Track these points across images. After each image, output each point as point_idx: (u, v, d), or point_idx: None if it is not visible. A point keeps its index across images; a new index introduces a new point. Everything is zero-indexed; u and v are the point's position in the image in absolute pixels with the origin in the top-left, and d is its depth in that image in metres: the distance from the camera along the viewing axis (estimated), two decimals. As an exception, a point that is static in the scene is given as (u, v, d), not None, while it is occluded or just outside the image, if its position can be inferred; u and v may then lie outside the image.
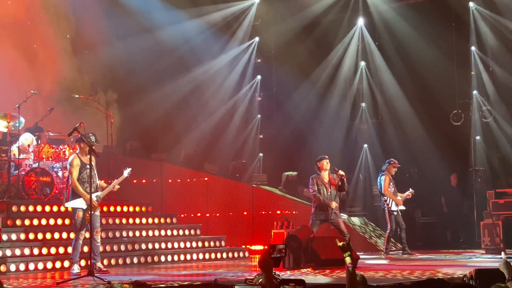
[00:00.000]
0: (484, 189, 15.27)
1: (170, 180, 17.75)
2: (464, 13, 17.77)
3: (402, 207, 14.04)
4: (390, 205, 13.84)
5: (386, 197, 13.87)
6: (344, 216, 15.53)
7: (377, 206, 17.45)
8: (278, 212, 16.53)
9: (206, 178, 17.56)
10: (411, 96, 18.31)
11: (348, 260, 4.90)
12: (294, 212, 16.39)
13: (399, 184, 14.45)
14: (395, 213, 13.86)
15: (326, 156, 12.65)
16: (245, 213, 17.05)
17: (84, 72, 17.93)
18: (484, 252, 14.13)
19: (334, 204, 12.20)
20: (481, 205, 15.65)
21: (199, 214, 17.19)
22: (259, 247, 15.64)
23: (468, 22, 17.75)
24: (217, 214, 17.23)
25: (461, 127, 17.72)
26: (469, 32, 17.79)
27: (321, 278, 9.38)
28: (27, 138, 13.41)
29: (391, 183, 14.00)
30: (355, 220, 16.79)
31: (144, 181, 17.35)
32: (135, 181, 16.45)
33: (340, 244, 4.94)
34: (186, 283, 8.88)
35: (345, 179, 12.42)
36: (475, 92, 18.00)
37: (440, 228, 17.83)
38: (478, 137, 17.93)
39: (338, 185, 12.37)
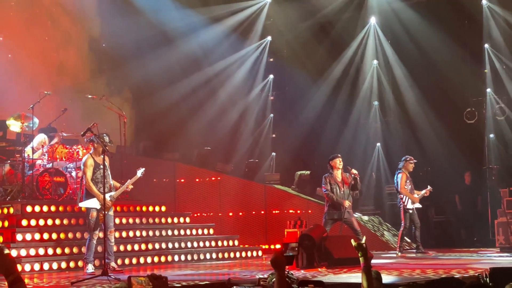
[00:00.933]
0: (498, 187, 15.18)
1: (183, 180, 17.79)
2: (477, 10, 17.68)
3: (418, 205, 13.94)
4: (406, 203, 13.77)
5: (402, 195, 13.80)
6: (356, 215, 15.50)
7: (390, 205, 17.41)
8: (291, 211, 16.52)
9: (219, 178, 17.59)
10: (424, 94, 18.25)
11: (362, 260, 4.88)
12: (307, 211, 16.38)
13: (412, 183, 14.37)
14: (410, 211, 13.79)
15: (339, 155, 12.63)
16: (262, 212, 17.06)
17: (98, 72, 17.99)
18: (498, 250, 14.06)
19: (347, 203, 12.18)
20: (495, 204, 15.57)
21: (212, 214, 17.22)
22: (272, 246, 15.64)
23: (481, 19, 17.67)
24: (230, 214, 17.26)
25: (474, 125, 17.64)
26: (482, 30, 17.70)
27: (334, 277, 9.37)
28: (40, 139, 13.47)
29: (408, 181, 13.90)
30: (367, 218, 16.75)
31: (157, 180, 17.40)
32: (147, 181, 16.49)
33: (355, 244, 4.93)
34: (199, 282, 8.89)
35: (358, 178, 12.40)
36: (488, 89, 17.92)
37: (454, 226, 17.76)
38: (492, 135, 17.84)
39: (351, 184, 12.35)
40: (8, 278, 3.49)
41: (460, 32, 17.43)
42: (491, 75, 17.85)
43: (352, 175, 12.33)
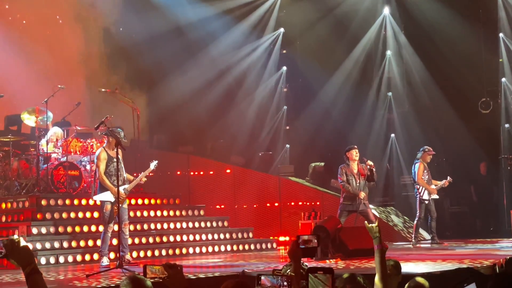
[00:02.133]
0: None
1: (197, 172, 17.80)
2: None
3: (435, 196, 13.81)
4: (422, 194, 13.68)
5: (419, 186, 13.71)
6: (372, 206, 15.45)
7: (405, 196, 17.35)
8: (306, 203, 16.49)
9: (233, 170, 17.58)
10: (438, 84, 18.13)
11: (376, 242, 4.85)
12: (321, 203, 16.34)
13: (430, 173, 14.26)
14: (426, 202, 13.69)
15: (355, 146, 12.59)
16: (273, 204, 17.05)
17: (111, 66, 18.02)
18: (514, 240, 13.98)
19: (362, 194, 12.15)
20: (511, 194, 15.47)
21: (226, 206, 17.23)
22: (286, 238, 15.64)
23: (496, 8, 17.52)
24: (244, 206, 17.26)
25: (489, 115, 17.52)
26: (497, 19, 17.56)
27: (348, 269, 9.34)
28: (56, 132, 13.52)
29: (425, 171, 13.78)
30: (382, 210, 16.69)
31: (171, 173, 17.43)
32: (161, 174, 16.53)
33: (368, 226, 4.90)
34: (214, 274, 8.90)
35: (374, 170, 12.36)
36: (503, 79, 17.78)
37: (469, 217, 17.68)
38: (507, 125, 17.72)
39: (367, 175, 12.31)
40: (25, 270, 3.50)
41: (475, 21, 17.29)
42: (507, 64, 17.71)
43: (368, 167, 12.28)
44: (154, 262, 10.97)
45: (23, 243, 3.50)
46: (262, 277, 4.00)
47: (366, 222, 5.16)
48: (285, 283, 3.92)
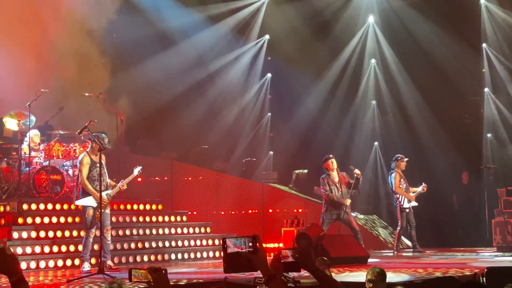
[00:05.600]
0: (496, 186, 15.19)
1: (180, 178, 17.76)
2: (476, 10, 17.69)
3: (414, 203, 13.89)
4: (402, 203, 13.73)
5: (398, 195, 13.77)
6: (354, 214, 15.49)
7: (387, 205, 17.41)
8: (289, 210, 16.50)
9: (216, 176, 17.56)
10: (422, 93, 18.25)
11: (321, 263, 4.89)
12: (304, 210, 16.36)
13: (410, 182, 14.34)
14: (407, 210, 13.76)
15: (331, 156, 12.63)
16: (255, 211, 17.05)
17: (95, 71, 17.94)
18: (495, 250, 14.06)
19: (348, 201, 12.19)
20: (492, 203, 15.57)
21: (207, 212, 17.19)
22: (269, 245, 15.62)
23: (479, 18, 17.67)
24: (228, 212, 17.23)
25: (472, 124, 17.64)
26: (480, 29, 17.71)
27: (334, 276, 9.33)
28: (34, 135, 13.40)
29: (402, 180, 13.87)
30: (364, 218, 16.74)
31: (154, 179, 17.37)
32: (144, 179, 16.47)
33: (319, 259, 4.93)
34: (196, 281, 8.87)
35: (360, 179, 12.41)
36: (486, 89, 17.92)
37: (451, 226, 17.76)
38: (489, 135, 17.85)
39: (350, 183, 12.35)
40: (11, 279, 3.47)
41: (459, 31, 17.43)
42: (489, 74, 17.86)
43: (355, 175, 12.33)
44: (136, 268, 10.91)
45: (9, 251, 3.48)
46: (227, 241, 4.00)
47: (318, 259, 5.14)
48: (250, 244, 3.90)
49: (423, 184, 14.00)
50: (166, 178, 17.70)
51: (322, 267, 4.91)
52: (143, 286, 3.85)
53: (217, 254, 13.87)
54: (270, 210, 16.93)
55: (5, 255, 3.44)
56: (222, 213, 17.25)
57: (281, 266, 4.19)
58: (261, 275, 4.79)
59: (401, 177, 13.86)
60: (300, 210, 16.32)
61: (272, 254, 4.04)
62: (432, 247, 15.03)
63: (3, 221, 12.16)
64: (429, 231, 17.08)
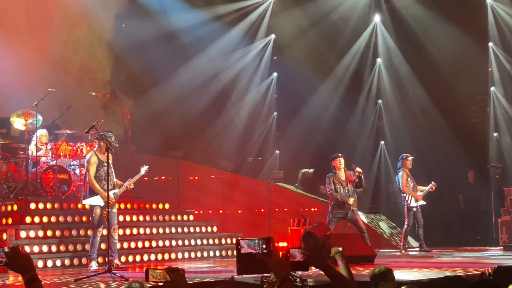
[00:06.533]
0: (502, 186, 15.17)
1: (186, 177, 17.79)
2: (482, 9, 17.66)
3: (422, 202, 13.87)
4: (409, 202, 13.72)
5: (405, 194, 13.76)
6: (361, 213, 15.49)
7: (394, 203, 17.40)
8: (295, 209, 16.51)
9: (222, 175, 17.58)
10: (428, 92, 18.22)
11: (340, 258, 4.88)
12: (310, 209, 16.37)
13: (417, 181, 14.32)
14: (414, 209, 13.75)
15: (340, 154, 12.62)
16: (262, 210, 17.06)
17: (102, 70, 17.99)
18: (502, 249, 14.04)
19: (351, 200, 12.18)
20: (499, 202, 15.55)
21: (214, 211, 17.22)
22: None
23: (486, 17, 17.64)
24: (234, 211, 17.25)
25: (478, 123, 17.61)
26: (487, 28, 17.68)
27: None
28: (41, 134, 13.43)
29: (409, 179, 13.85)
30: (371, 217, 16.74)
31: (160, 178, 17.41)
32: (151, 178, 16.50)
33: (335, 250, 4.91)
34: (202, 280, 8.89)
35: (362, 176, 12.39)
36: (492, 88, 17.90)
37: (458, 225, 17.74)
38: (495, 134, 17.82)
39: (356, 182, 12.34)
40: (25, 277, 3.49)
41: (465, 30, 17.40)
42: (496, 73, 17.83)
43: (357, 173, 12.32)
44: (143, 267, 10.97)
45: (23, 249, 3.50)
46: (241, 241, 4.01)
47: (333, 249, 5.14)
48: (264, 245, 3.91)
49: (432, 183, 13.98)
50: (172, 177, 17.72)
51: (340, 261, 4.91)
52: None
53: (223, 253, 13.90)
54: (277, 209, 16.94)
55: (18, 252, 3.47)
56: (228, 212, 17.27)
57: (289, 265, 4.20)
58: (268, 274, 4.80)
59: (408, 176, 13.85)
60: (306, 209, 16.32)
61: (280, 253, 4.03)
62: (439, 247, 15.02)
63: (10, 220, 12.21)
64: (436, 230, 17.08)
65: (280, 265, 3.88)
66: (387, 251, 14.78)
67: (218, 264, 12.41)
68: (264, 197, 17.17)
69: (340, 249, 4.95)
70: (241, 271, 4.04)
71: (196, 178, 17.77)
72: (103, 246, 11.37)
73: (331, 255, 4.93)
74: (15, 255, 3.45)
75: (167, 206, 14.72)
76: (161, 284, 3.83)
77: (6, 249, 3.47)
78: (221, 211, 17.25)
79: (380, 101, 19.48)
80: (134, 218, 13.67)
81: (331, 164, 12.50)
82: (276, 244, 15.42)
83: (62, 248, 11.77)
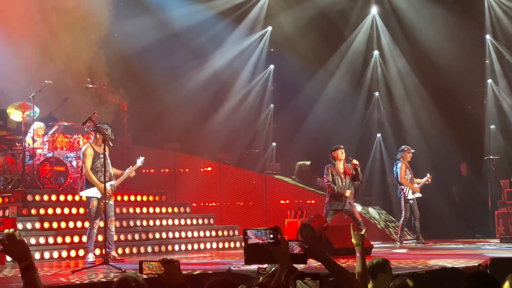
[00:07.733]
0: (498, 178, 15.19)
1: (183, 170, 17.79)
2: (479, 1, 17.65)
3: (418, 194, 13.87)
4: (406, 194, 13.72)
5: (402, 186, 13.74)
6: (358, 205, 15.51)
7: (391, 195, 17.42)
8: (292, 201, 16.53)
9: (219, 168, 17.59)
10: (425, 85, 18.24)
11: (358, 249, 4.90)
12: (307, 201, 16.39)
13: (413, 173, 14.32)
14: (411, 201, 13.75)
15: (342, 146, 12.61)
16: (262, 202, 17.07)
17: (99, 62, 17.95)
18: (498, 241, 14.08)
19: (348, 192, 12.18)
20: (495, 194, 15.58)
21: (212, 204, 17.24)
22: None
23: (483, 10, 17.63)
24: (231, 203, 17.27)
25: (475, 115, 17.63)
26: (484, 20, 17.67)
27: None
28: (38, 127, 13.43)
29: (407, 170, 13.83)
30: (369, 209, 16.76)
31: (157, 170, 17.40)
32: (148, 170, 16.50)
33: (355, 233, 4.94)
34: (199, 272, 8.91)
35: (359, 169, 12.40)
36: (489, 81, 17.90)
37: (454, 217, 17.78)
38: (492, 126, 17.84)
39: (353, 174, 12.35)
40: (21, 265, 3.49)
41: (462, 22, 17.39)
42: (494, 66, 17.84)
43: (353, 166, 12.33)
44: (140, 259, 10.98)
45: (20, 237, 3.49)
46: (248, 232, 4.02)
47: (352, 227, 5.16)
48: (271, 235, 3.92)
49: (428, 175, 13.99)
50: (169, 169, 17.72)
51: (359, 253, 4.94)
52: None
53: (220, 245, 13.91)
54: (273, 202, 16.95)
55: (15, 239, 3.46)
56: (225, 204, 17.28)
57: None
58: (264, 266, 4.81)
59: (406, 168, 13.82)
60: (303, 202, 16.34)
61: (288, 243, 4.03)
62: (435, 239, 15.05)
63: (7, 212, 12.20)
64: (432, 222, 17.11)
65: (288, 255, 3.89)
66: (384, 243, 14.80)
67: (215, 256, 12.42)
68: (261, 190, 17.19)
69: (363, 234, 4.96)
70: (249, 261, 4.04)
71: (193, 170, 17.76)
72: (100, 238, 11.36)
73: (352, 240, 4.95)
74: (10, 241, 3.44)
75: (163, 198, 14.71)
76: (156, 276, 3.83)
77: (2, 236, 3.47)
78: (217, 203, 17.26)
79: (376, 93, 19.48)
80: (131, 210, 13.67)
81: (331, 155, 12.47)
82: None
83: (59, 240, 11.77)
